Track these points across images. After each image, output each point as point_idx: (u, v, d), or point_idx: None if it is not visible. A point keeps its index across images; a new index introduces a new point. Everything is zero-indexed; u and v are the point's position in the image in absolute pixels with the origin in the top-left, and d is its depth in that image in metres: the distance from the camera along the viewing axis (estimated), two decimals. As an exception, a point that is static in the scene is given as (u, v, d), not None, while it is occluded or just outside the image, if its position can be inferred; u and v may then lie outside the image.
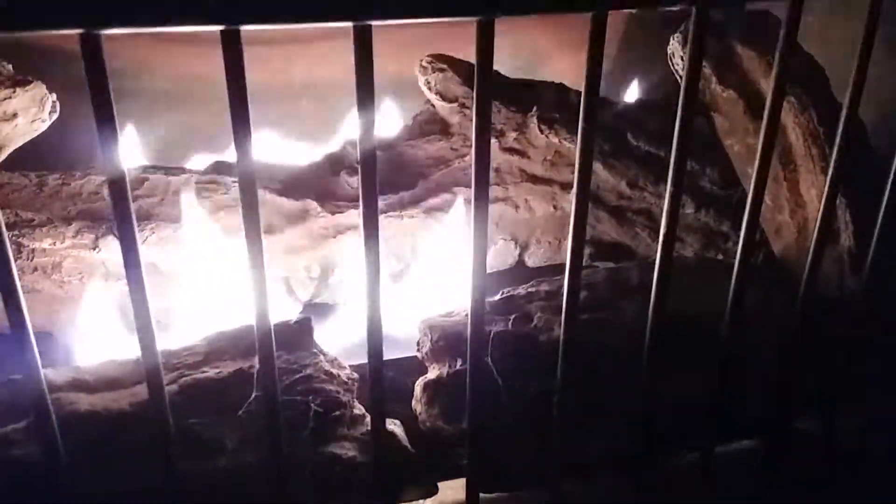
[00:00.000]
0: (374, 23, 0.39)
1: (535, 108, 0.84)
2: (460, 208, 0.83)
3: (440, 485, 0.61)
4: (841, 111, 0.54)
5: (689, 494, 0.62)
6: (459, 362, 0.60)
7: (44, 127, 0.79)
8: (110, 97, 0.39)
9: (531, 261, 0.88)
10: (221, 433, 0.55)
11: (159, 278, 0.77)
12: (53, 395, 0.46)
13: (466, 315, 0.51)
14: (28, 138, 0.79)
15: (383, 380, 0.50)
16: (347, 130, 0.92)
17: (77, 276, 0.78)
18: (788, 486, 0.64)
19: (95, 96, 0.38)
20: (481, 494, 0.56)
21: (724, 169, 0.83)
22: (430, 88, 0.85)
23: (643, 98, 1.00)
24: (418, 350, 0.64)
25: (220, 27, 0.38)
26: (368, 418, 0.58)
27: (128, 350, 0.69)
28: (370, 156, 0.43)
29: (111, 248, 0.76)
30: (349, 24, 0.39)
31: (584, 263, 0.51)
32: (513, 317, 0.63)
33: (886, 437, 0.67)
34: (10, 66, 0.79)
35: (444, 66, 0.84)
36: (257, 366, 0.56)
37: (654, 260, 0.52)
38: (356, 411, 0.60)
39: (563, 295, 0.51)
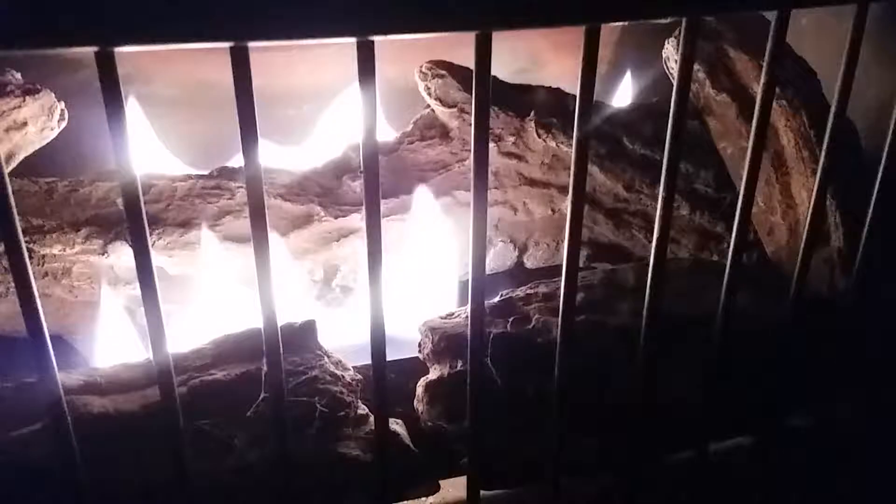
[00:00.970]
0: (376, 38, 0.40)
1: (532, 113, 0.85)
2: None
3: (442, 483, 0.62)
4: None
5: (685, 491, 0.63)
6: (460, 363, 0.61)
7: (53, 135, 0.81)
8: (124, 109, 0.40)
9: (530, 262, 0.89)
10: (230, 433, 0.56)
11: (167, 283, 0.78)
12: (66, 398, 0.47)
13: (467, 317, 0.51)
14: (37, 146, 0.80)
15: (386, 380, 0.50)
16: (350, 135, 0.93)
17: (86, 281, 0.79)
18: (781, 482, 0.65)
19: (110, 108, 0.39)
20: (482, 492, 0.57)
21: (718, 172, 0.84)
22: (429, 94, 0.86)
23: (638, 102, 1.01)
24: (420, 351, 0.65)
25: (230, 44, 0.39)
26: (372, 418, 0.59)
27: (138, 353, 0.71)
28: (373, 161, 0.44)
29: (119, 253, 0.77)
30: (353, 39, 0.40)
31: (581, 265, 0.52)
32: (511, 318, 0.63)
33: (877, 434, 0.68)
34: (18, 75, 0.80)
35: (444, 73, 0.86)
36: (264, 368, 0.57)
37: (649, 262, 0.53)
38: (360, 411, 0.60)
39: (560, 297, 0.52)
